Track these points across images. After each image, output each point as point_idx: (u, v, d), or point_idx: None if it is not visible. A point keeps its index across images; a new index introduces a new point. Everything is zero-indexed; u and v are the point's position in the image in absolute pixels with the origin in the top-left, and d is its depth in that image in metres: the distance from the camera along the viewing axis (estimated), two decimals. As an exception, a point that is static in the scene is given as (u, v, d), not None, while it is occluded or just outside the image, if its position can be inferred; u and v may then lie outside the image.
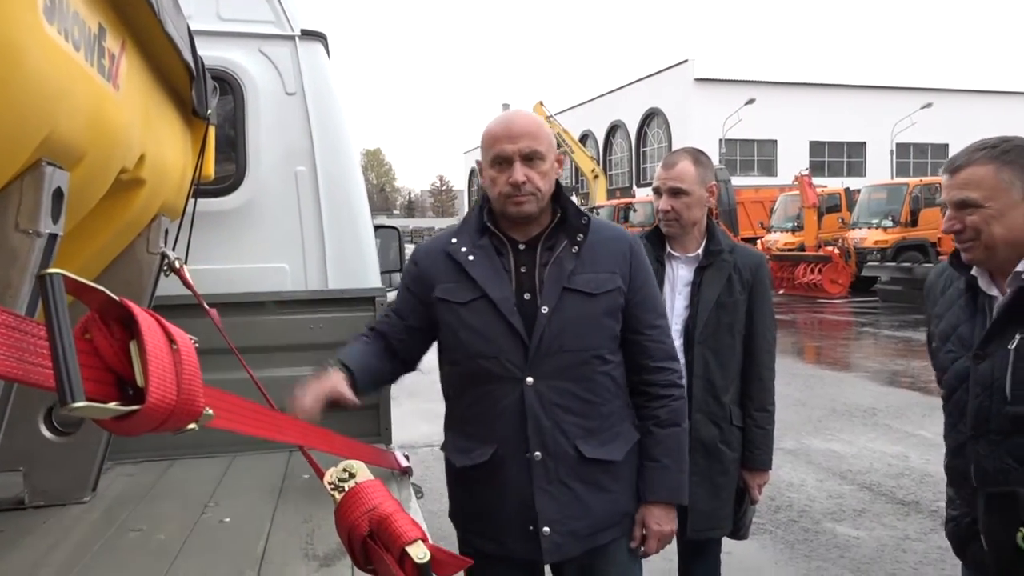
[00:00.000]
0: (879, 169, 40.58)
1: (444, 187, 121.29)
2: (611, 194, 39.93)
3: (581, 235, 1.87)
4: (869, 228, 19.87)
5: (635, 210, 29.16)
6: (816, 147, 44.11)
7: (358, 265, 2.66)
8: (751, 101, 36.08)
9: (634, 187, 46.31)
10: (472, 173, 79.91)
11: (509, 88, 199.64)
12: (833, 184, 26.88)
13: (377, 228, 3.66)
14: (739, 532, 2.66)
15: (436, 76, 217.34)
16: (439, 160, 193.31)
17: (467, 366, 1.87)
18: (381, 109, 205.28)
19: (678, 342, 2.45)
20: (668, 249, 2.55)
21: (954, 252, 1.87)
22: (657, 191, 2.53)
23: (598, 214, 31.93)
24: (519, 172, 1.80)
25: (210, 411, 0.86)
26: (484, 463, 1.85)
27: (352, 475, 1.17)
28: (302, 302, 2.49)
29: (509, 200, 1.82)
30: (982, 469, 1.78)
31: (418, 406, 8.08)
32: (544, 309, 1.81)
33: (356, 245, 2.69)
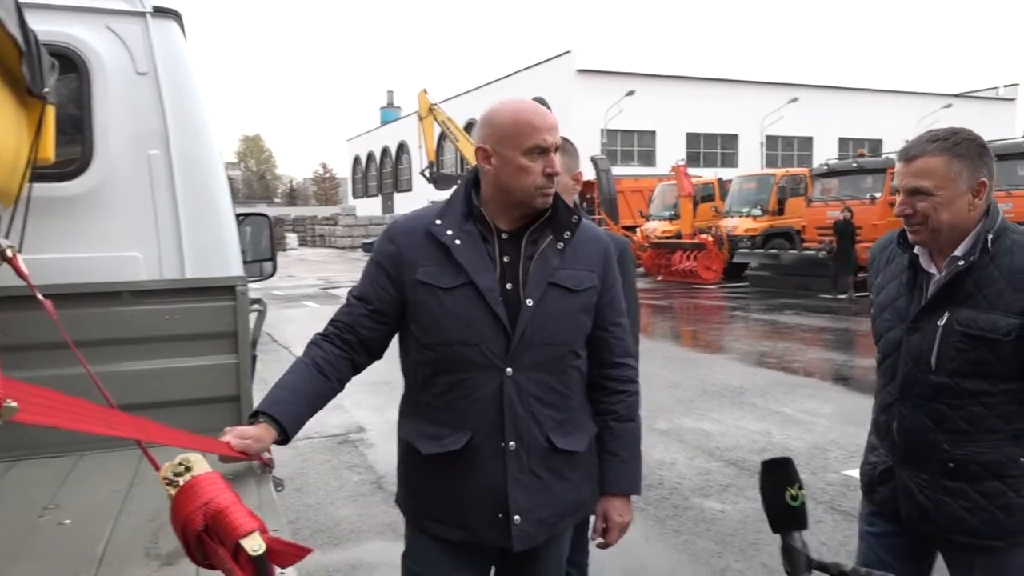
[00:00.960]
0: (750, 160, 42.47)
1: (327, 175, 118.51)
2: (496, 183, 40.04)
3: (569, 232, 1.89)
4: (740, 216, 20.81)
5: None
6: (692, 138, 45.71)
7: (218, 253, 2.55)
8: (631, 93, 37.04)
9: (519, 176, 46.58)
10: (356, 161, 78.53)
11: (392, 75, 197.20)
12: (708, 174, 27.93)
13: (247, 215, 3.52)
14: None
15: (318, 61, 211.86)
16: (322, 147, 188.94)
17: (445, 352, 1.85)
18: (260, 94, 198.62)
19: None
20: None
21: (901, 232, 2.03)
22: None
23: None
24: (557, 163, 1.84)
25: (12, 403, 0.81)
26: (457, 451, 1.83)
27: (188, 469, 1.13)
28: (156, 292, 2.37)
29: (540, 191, 1.83)
30: (904, 427, 2.00)
31: (297, 398, 7.93)
32: (529, 302, 1.83)
33: (216, 232, 2.58)
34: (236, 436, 1.68)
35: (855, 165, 18.09)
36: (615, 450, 1.98)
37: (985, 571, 1.97)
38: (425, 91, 36.14)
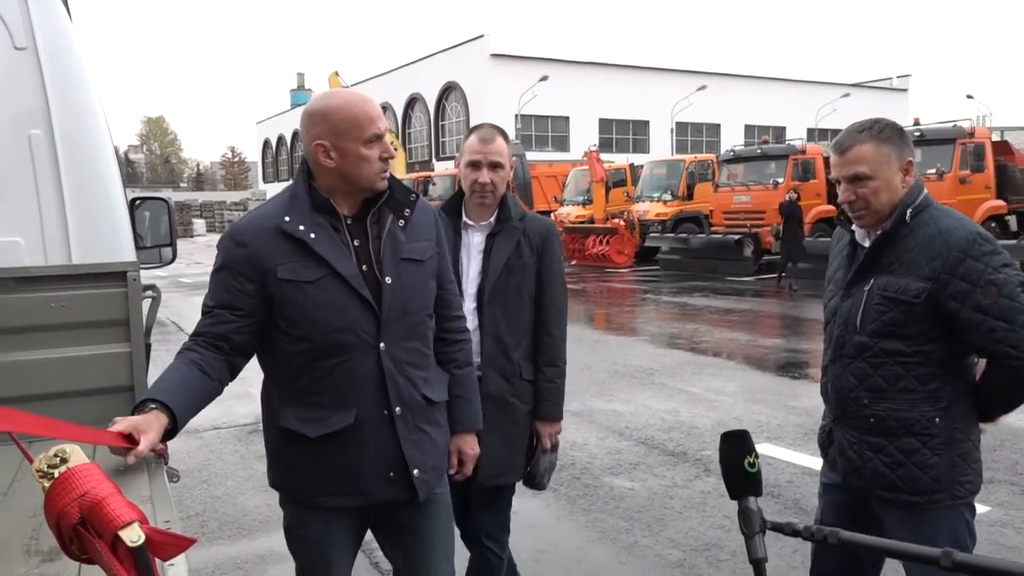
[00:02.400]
0: (661, 146, 43.28)
1: (236, 159, 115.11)
2: (411, 167, 39.70)
3: (408, 210, 2.03)
4: (651, 201, 21.20)
5: (434, 183, 29.23)
6: (605, 124, 46.28)
7: (108, 238, 2.45)
8: (544, 78, 37.16)
9: (433, 160, 46.36)
10: (266, 144, 76.49)
11: (303, 56, 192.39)
12: (620, 160, 28.34)
13: (145, 200, 3.39)
14: (534, 480, 2.80)
15: (225, 40, 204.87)
16: (230, 130, 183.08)
17: (320, 341, 1.92)
18: (163, 74, 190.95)
19: (472, 304, 2.64)
20: (464, 218, 2.70)
21: (840, 213, 2.24)
22: (477, 164, 2.60)
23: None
24: (390, 147, 1.99)
25: None
26: (348, 427, 1.95)
27: (64, 460, 1.08)
28: (42, 279, 2.25)
29: (379, 175, 1.96)
30: (836, 386, 2.22)
31: (204, 388, 7.71)
32: (388, 280, 1.96)
33: (106, 216, 2.47)
34: (128, 425, 1.62)
35: (759, 151, 18.68)
36: (460, 393, 2.20)
37: (911, 528, 2.10)
38: (336, 73, 35.40)
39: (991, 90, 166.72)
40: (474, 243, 2.68)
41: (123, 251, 2.45)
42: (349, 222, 1.97)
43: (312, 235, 1.91)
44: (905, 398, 2.09)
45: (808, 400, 6.48)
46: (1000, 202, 15.12)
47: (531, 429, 2.73)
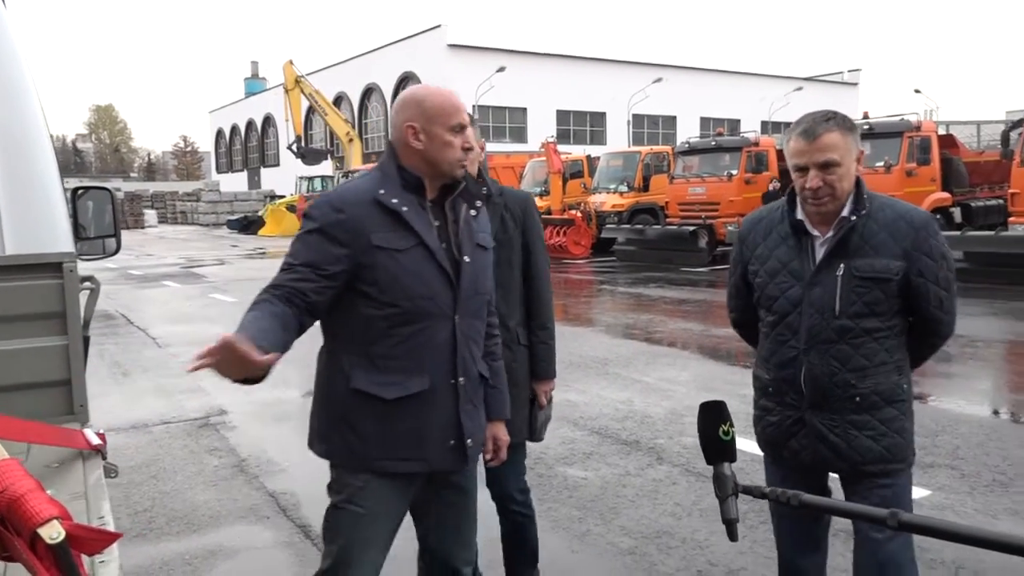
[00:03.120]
0: (618, 138, 43.56)
1: (189, 148, 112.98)
2: (367, 158, 39.33)
3: (480, 202, 2.22)
4: (608, 193, 21.29)
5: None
6: (562, 116, 46.36)
7: (44, 228, 2.37)
8: (502, 69, 37.07)
9: (390, 151, 45.89)
10: (219, 134, 75.14)
11: (257, 45, 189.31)
12: (578, 151, 28.43)
13: (88, 189, 3.31)
14: (534, 435, 3.04)
15: (176, 27, 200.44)
16: (182, 119, 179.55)
17: (406, 306, 2.06)
18: (113, 61, 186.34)
19: None
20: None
21: (790, 203, 2.30)
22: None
23: (354, 178, 31.30)
24: (472, 138, 2.16)
25: None
26: (423, 391, 2.09)
27: (-17, 457, 1.04)
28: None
29: (459, 162, 2.12)
30: (812, 375, 2.24)
31: (153, 382, 7.54)
32: (466, 259, 2.14)
33: (42, 205, 2.40)
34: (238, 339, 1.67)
35: (714, 143, 18.87)
36: (496, 384, 2.36)
37: (884, 496, 2.23)
38: (291, 62, 34.97)
39: (939, 85, 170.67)
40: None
41: (59, 241, 2.38)
42: (430, 204, 2.15)
43: (404, 208, 2.07)
44: (883, 371, 2.23)
45: (759, 389, 6.58)
46: (945, 194, 15.48)
47: (529, 389, 2.93)
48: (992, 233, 12.80)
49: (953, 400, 6.21)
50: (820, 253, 2.24)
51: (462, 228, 2.17)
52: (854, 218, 2.19)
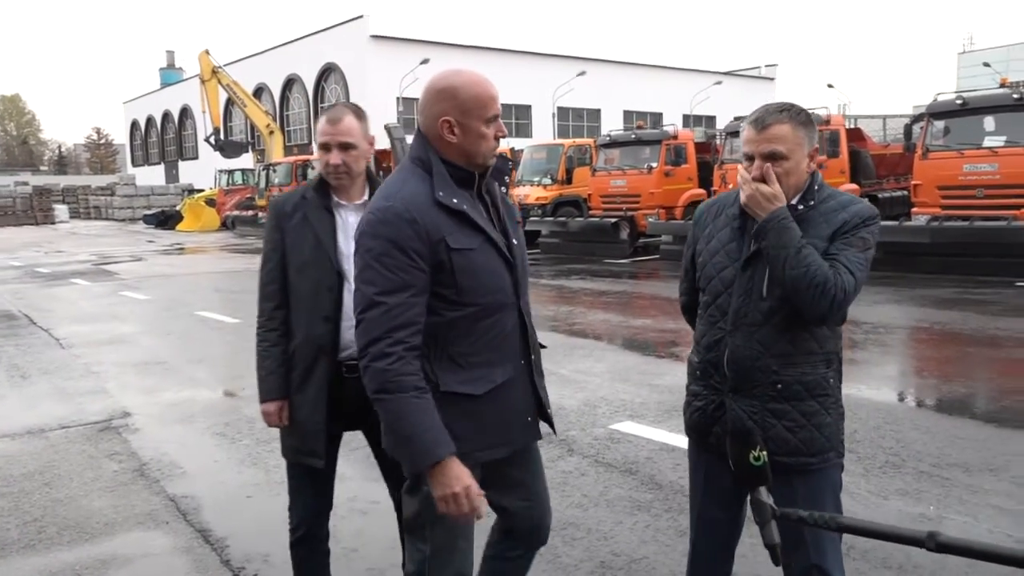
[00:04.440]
0: (544, 130, 43.76)
1: (102, 140, 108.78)
2: (288, 150, 38.58)
3: (507, 177, 2.23)
4: (532, 185, 21.33)
5: (313, 167, 28.49)
6: (488, 108, 46.21)
7: None
8: (426, 61, 36.72)
9: (313, 144, 45.15)
10: (134, 125, 72.53)
11: (172, 33, 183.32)
12: (502, 144, 28.36)
13: None
14: None
15: (87, 13, 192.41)
16: (95, 110, 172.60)
17: (485, 302, 2.09)
18: (19, 49, 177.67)
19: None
20: (335, 198, 2.67)
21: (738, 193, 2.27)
22: (326, 146, 2.61)
23: (275, 171, 30.76)
24: (503, 127, 2.15)
25: None
26: (510, 379, 2.15)
27: None
28: None
29: (492, 152, 2.12)
30: (736, 356, 2.21)
31: (53, 384, 7.20)
32: (515, 241, 2.18)
33: None
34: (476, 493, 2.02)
35: (634, 136, 19.10)
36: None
37: (804, 492, 2.19)
38: (207, 52, 33.97)
39: (851, 80, 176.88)
40: (350, 223, 2.61)
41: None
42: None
43: (464, 206, 2.07)
44: (810, 361, 2.18)
45: (672, 378, 6.69)
46: (854, 186, 15.98)
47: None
48: (896, 223, 13.31)
49: (855, 385, 6.43)
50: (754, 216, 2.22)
51: (503, 210, 2.20)
52: (800, 207, 2.17)
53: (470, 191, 2.12)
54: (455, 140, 2.06)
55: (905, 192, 15.60)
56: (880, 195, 16.73)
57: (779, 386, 2.18)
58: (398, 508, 2.93)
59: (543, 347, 2.40)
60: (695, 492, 2.46)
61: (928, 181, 13.45)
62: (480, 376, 2.11)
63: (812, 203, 2.20)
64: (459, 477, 1.98)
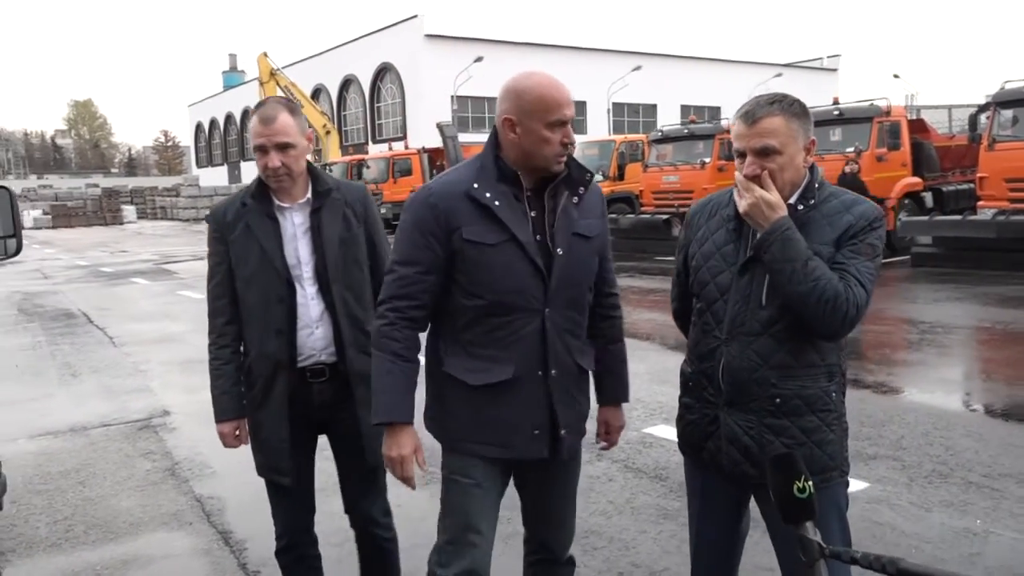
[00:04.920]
0: (599, 127, 43.38)
1: (170, 143, 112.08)
2: (345, 150, 39.09)
3: (583, 188, 2.16)
4: (583, 182, 21.15)
5: (368, 167, 28.84)
6: (542, 105, 46.11)
7: None
8: (479, 59, 36.86)
9: (369, 143, 45.70)
10: (198, 128, 74.49)
11: (235, 37, 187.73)
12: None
13: None
14: None
15: (153, 20, 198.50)
16: (163, 114, 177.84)
17: (492, 299, 2.10)
18: (91, 55, 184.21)
19: (313, 288, 2.53)
20: (276, 201, 2.54)
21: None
22: (263, 149, 2.46)
23: (331, 171, 31.21)
24: (572, 134, 2.11)
25: None
26: (506, 380, 2.12)
27: None
28: None
29: (557, 158, 2.09)
30: (732, 367, 2.07)
31: (101, 383, 7.38)
32: (559, 251, 2.11)
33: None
34: (419, 457, 2.17)
35: (686, 131, 18.77)
36: (611, 367, 2.38)
37: None
38: (265, 54, 34.64)
39: (919, 70, 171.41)
40: (296, 224, 2.54)
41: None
42: (529, 194, 2.13)
43: (496, 202, 2.07)
44: (811, 374, 2.04)
45: (712, 380, 6.49)
46: (916, 179, 15.42)
47: None
48: (960, 217, 12.77)
49: (906, 388, 6.16)
50: (754, 227, 2.06)
51: (559, 218, 2.13)
52: (800, 207, 2.03)
53: (514, 188, 2.11)
54: (515, 139, 2.08)
55: (971, 185, 14.95)
56: (944, 188, 16.10)
57: (777, 400, 2.04)
58: (354, 526, 2.84)
59: (583, 369, 2.27)
60: (692, 511, 2.34)
61: (995, 173, 12.84)
62: (481, 368, 2.13)
63: (813, 202, 2.05)
64: (400, 444, 2.13)
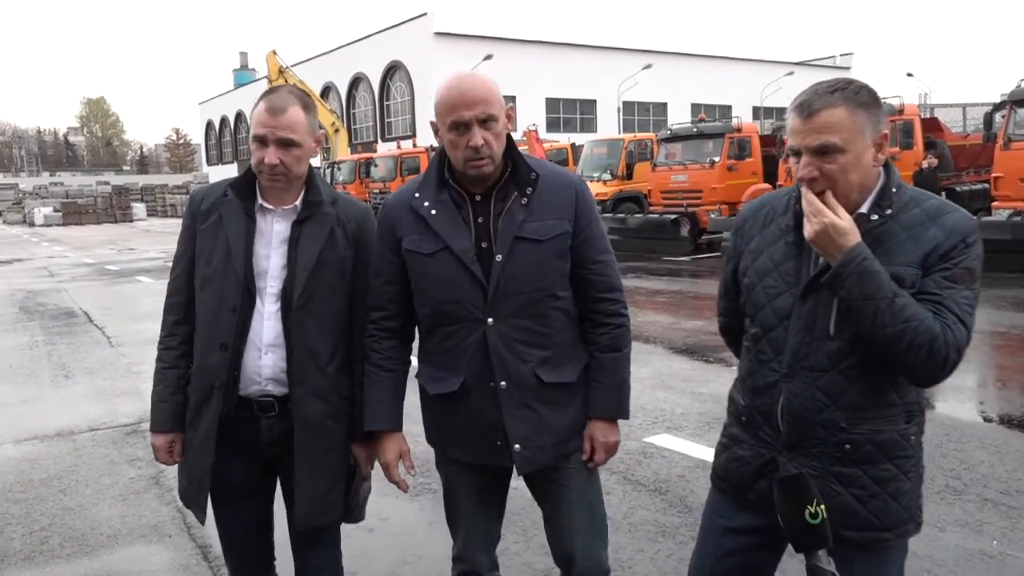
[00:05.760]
0: (608, 125, 43.19)
1: (181, 140, 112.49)
2: (354, 148, 39.00)
3: (530, 188, 2.06)
4: (592, 181, 20.95)
5: (376, 165, 28.76)
6: (552, 103, 46.01)
7: None
8: (489, 57, 36.69)
9: (378, 141, 45.62)
10: (209, 126, 74.68)
11: (245, 35, 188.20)
12: (565, 140, 28.08)
13: None
14: (352, 514, 2.40)
15: (164, 18, 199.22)
16: (174, 111, 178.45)
17: (434, 310, 2.10)
18: (102, 54, 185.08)
19: (274, 306, 2.19)
20: (260, 201, 2.22)
21: (797, 194, 1.77)
22: (262, 140, 2.11)
23: (339, 169, 31.10)
24: (478, 136, 1.96)
25: None
26: (454, 391, 2.10)
27: None
28: None
29: (469, 163, 1.99)
30: (793, 408, 1.78)
31: (94, 384, 7.23)
32: (498, 257, 2.02)
33: None
34: (406, 463, 2.26)
35: (695, 130, 18.52)
36: (597, 377, 2.20)
37: (866, 568, 1.74)
38: (274, 52, 34.55)
39: (933, 68, 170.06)
40: (274, 231, 2.21)
41: None
42: (478, 199, 2.06)
43: (433, 211, 2.05)
44: (887, 415, 1.74)
45: (717, 386, 6.31)
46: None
47: (348, 454, 2.32)
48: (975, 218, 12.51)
49: (918, 396, 5.94)
50: (823, 256, 1.73)
51: (502, 222, 2.04)
52: (875, 217, 1.71)
53: (454, 196, 2.06)
54: (440, 142, 2.06)
55: (986, 185, 14.67)
56: (959, 188, 15.83)
57: (847, 446, 1.74)
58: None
59: (543, 383, 2.10)
60: (706, 549, 2.02)
61: (1010, 173, 12.59)
62: (438, 378, 2.15)
63: (890, 211, 1.72)
64: (384, 450, 2.22)
